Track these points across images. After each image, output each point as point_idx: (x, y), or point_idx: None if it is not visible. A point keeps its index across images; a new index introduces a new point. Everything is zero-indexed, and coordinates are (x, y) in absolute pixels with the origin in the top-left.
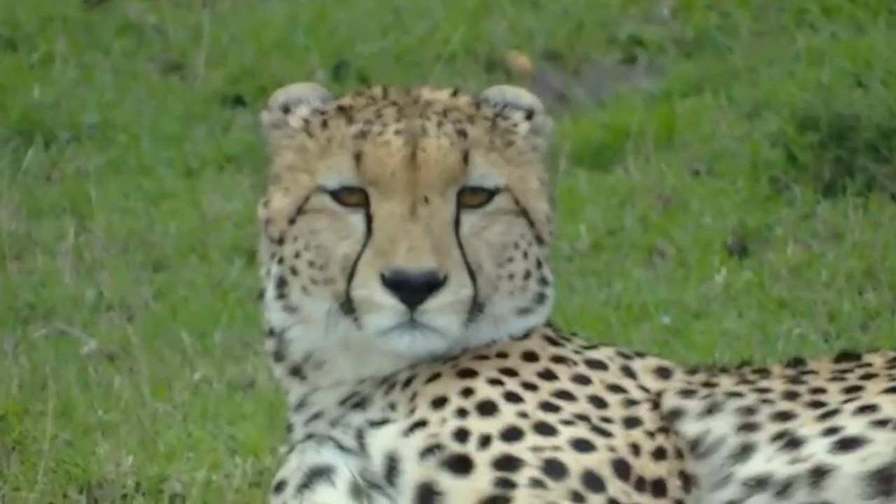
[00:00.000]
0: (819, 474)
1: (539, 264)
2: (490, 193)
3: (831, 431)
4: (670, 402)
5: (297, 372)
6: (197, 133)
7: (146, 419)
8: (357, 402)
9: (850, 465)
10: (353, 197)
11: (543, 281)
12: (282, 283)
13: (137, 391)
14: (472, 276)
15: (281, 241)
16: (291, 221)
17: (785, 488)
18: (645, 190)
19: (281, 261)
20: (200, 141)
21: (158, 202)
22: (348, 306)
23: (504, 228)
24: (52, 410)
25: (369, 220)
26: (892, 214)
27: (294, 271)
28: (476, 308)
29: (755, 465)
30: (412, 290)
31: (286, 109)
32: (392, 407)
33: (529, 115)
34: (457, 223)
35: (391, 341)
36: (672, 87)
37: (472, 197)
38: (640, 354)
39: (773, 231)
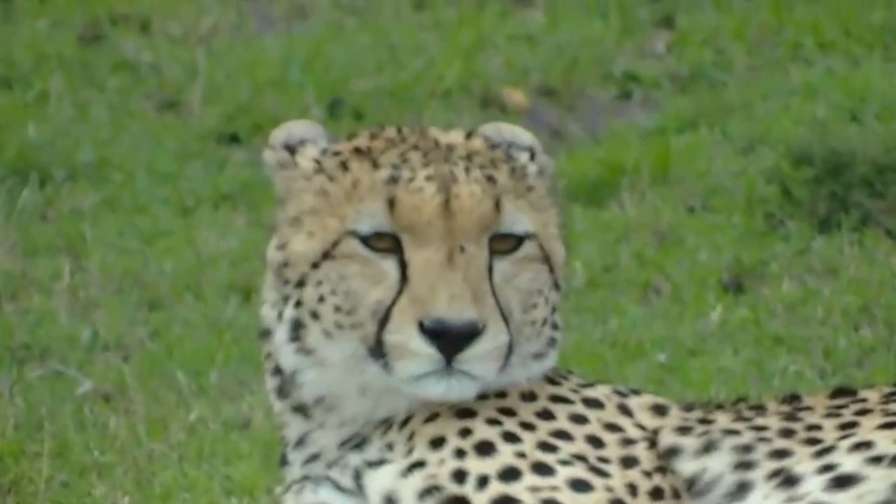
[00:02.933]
0: None
1: (553, 309)
2: (519, 240)
3: (827, 469)
4: (667, 439)
5: (301, 410)
6: (192, 171)
7: (142, 460)
8: (357, 443)
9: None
10: (384, 242)
11: (555, 326)
12: (298, 326)
13: (133, 431)
14: (506, 322)
15: (300, 285)
16: (315, 265)
17: None
18: (640, 226)
19: (298, 304)
20: (196, 178)
21: (154, 241)
22: (378, 351)
23: (532, 275)
24: (48, 451)
25: (403, 266)
26: (887, 250)
27: (315, 315)
28: (508, 354)
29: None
30: (453, 339)
31: (290, 149)
32: (389, 447)
33: (532, 154)
34: (489, 270)
35: (427, 388)
36: (667, 122)
37: (502, 243)
38: (636, 392)
39: (769, 267)
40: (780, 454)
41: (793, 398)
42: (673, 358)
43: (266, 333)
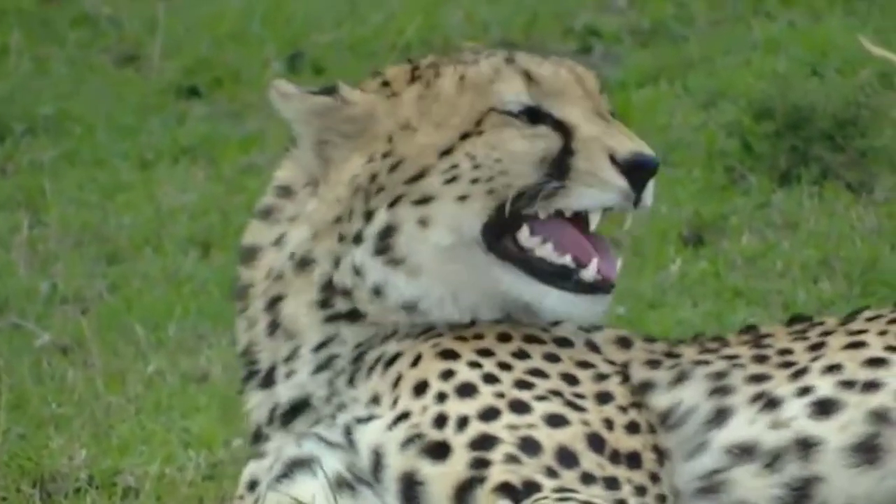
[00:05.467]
0: (806, 447)
1: None
2: None
3: (804, 392)
4: (639, 374)
5: (346, 316)
6: (152, 124)
7: (100, 412)
8: (364, 350)
9: (834, 438)
10: (528, 116)
11: None
12: (387, 235)
13: (91, 384)
14: None
15: (416, 178)
16: (447, 152)
17: (774, 460)
18: None
19: (394, 203)
20: (156, 132)
21: (113, 194)
22: (555, 175)
23: None
24: (6, 403)
25: (560, 127)
26: (847, 203)
27: (427, 200)
28: None
29: (736, 430)
30: (649, 172)
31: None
32: (375, 400)
33: None
34: None
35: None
36: (628, 76)
37: None
38: (598, 327)
39: (729, 220)
40: (758, 378)
41: (749, 328)
42: (632, 310)
43: (305, 263)
